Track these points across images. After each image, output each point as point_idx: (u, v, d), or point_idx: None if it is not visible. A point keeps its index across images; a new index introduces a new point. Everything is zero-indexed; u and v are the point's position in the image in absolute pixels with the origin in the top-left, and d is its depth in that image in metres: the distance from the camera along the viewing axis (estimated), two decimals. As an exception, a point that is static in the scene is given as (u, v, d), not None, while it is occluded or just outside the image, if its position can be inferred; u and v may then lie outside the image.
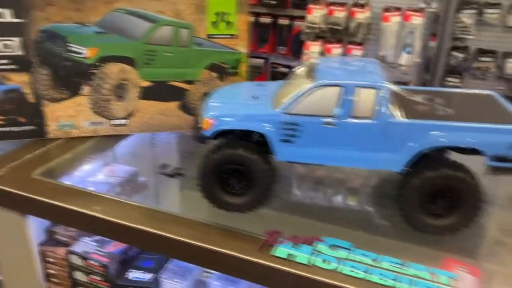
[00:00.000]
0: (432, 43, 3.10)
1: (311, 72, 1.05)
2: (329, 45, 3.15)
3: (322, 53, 3.19)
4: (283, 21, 3.48)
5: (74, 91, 1.37)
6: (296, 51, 3.44)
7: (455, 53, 3.14)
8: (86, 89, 1.37)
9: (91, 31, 1.31)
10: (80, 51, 1.31)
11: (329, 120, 0.98)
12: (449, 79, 3.19)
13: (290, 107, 1.00)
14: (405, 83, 3.14)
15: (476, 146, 0.94)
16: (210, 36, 1.39)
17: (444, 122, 0.95)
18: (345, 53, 3.18)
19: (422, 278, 0.89)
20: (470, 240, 1.03)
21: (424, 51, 3.03)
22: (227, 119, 1.03)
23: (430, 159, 0.99)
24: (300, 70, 1.13)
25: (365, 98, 0.97)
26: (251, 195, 1.05)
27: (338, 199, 1.21)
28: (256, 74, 3.82)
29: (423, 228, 1.00)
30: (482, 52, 3.12)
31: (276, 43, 3.57)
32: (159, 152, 1.48)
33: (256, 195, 1.05)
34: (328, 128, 0.99)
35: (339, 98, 0.97)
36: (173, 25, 1.35)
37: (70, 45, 1.31)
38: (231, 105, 1.08)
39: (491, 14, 2.96)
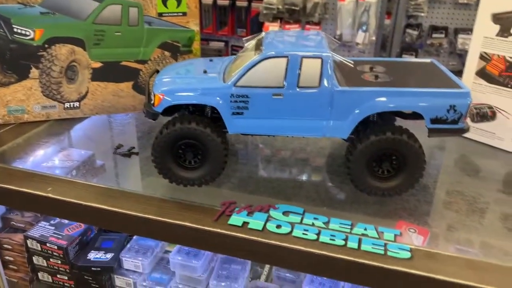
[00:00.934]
0: (387, 21, 3.18)
1: (259, 45, 1.07)
2: (288, 26, 3.18)
3: (281, 34, 3.22)
4: (241, 3, 3.47)
5: (22, 75, 1.33)
6: (255, 32, 3.45)
7: (409, 31, 3.23)
8: (35, 72, 1.34)
9: (36, 12, 1.28)
10: (26, 32, 1.28)
11: (277, 91, 1.01)
12: (405, 55, 3.29)
13: (239, 80, 1.02)
14: (362, 61, 3.21)
15: (416, 109, 0.98)
16: (160, 14, 1.38)
17: (386, 88, 0.99)
18: (303, 33, 3.21)
19: (370, 237, 0.94)
20: (421, 203, 1.08)
21: (380, 29, 3.11)
22: (178, 93, 1.04)
23: (375, 124, 1.03)
24: (249, 43, 1.15)
25: (311, 68, 0.99)
26: (206, 168, 1.07)
27: (293, 170, 1.24)
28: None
29: (370, 190, 1.05)
30: (435, 28, 3.22)
31: (235, 25, 3.57)
32: (114, 133, 1.46)
33: (210, 168, 1.06)
34: (276, 99, 1.01)
35: (286, 69, 1.00)
36: (121, 4, 1.33)
37: (14, 26, 1.27)
38: (182, 80, 1.09)
39: (442, -9, 3.06)
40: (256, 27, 3.42)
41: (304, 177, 1.20)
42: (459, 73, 1.30)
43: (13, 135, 1.32)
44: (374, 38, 3.06)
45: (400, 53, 3.27)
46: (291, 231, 0.94)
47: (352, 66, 1.01)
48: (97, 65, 1.38)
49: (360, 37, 3.04)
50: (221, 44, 3.75)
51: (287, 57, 0.99)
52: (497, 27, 1.21)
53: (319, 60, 0.99)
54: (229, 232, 0.94)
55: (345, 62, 1.03)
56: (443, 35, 3.20)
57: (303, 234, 0.94)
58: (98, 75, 1.39)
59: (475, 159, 1.31)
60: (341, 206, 1.08)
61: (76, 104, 1.41)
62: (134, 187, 1.15)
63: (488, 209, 1.09)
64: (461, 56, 3.25)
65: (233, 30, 3.61)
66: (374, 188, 1.05)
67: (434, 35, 3.21)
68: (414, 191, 1.08)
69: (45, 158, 1.33)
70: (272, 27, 3.18)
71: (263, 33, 1.14)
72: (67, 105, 1.41)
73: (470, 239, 0.99)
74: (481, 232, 1.01)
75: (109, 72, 1.40)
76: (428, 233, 0.99)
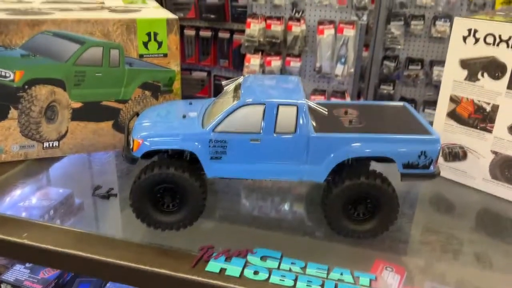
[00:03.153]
0: (366, 54, 3.27)
1: (238, 90, 1.10)
2: (269, 58, 3.24)
3: (262, 66, 3.28)
4: (224, 35, 3.54)
5: (1, 115, 1.33)
6: (237, 63, 3.51)
7: (387, 63, 3.33)
8: (14, 113, 1.34)
9: (17, 54, 1.28)
10: (6, 74, 1.29)
11: (255, 136, 1.03)
12: (383, 87, 3.38)
13: (218, 126, 1.04)
14: (342, 92, 3.29)
15: (388, 155, 1.02)
16: (141, 56, 1.40)
17: (359, 134, 1.02)
18: (284, 65, 3.28)
19: (346, 282, 0.95)
20: (396, 243, 1.11)
21: (358, 61, 3.20)
22: (156, 139, 1.05)
23: (350, 168, 1.06)
24: (228, 87, 1.18)
25: (287, 115, 1.02)
26: (184, 212, 1.07)
27: (271, 208, 1.25)
28: (200, 87, 3.85)
29: (347, 233, 1.07)
30: (411, 61, 3.33)
31: (218, 56, 3.62)
32: (94, 172, 1.46)
33: (189, 212, 1.07)
34: (254, 144, 1.03)
35: (263, 116, 1.02)
36: (102, 46, 1.35)
37: (-5, 68, 1.28)
38: (161, 125, 1.11)
39: (416, 26, 3.17)
40: (238, 58, 3.48)
41: (283, 217, 1.22)
42: (435, 103, 1.35)
43: (-10, 176, 1.31)
44: (352, 70, 3.15)
45: (379, 84, 3.36)
46: (269, 278, 0.95)
47: (326, 113, 1.04)
48: (77, 105, 1.39)
49: (339, 69, 3.11)
50: (204, 74, 3.80)
51: (264, 104, 1.02)
52: (465, 72, 1.27)
53: (294, 108, 1.02)
54: (206, 280, 0.94)
55: (319, 107, 1.06)
56: (419, 67, 3.30)
57: (280, 280, 0.95)
58: (78, 115, 1.40)
59: (449, 197, 1.35)
60: (319, 247, 1.09)
61: (56, 143, 1.41)
62: (112, 230, 1.15)
63: (463, 247, 1.12)
64: (437, 87, 3.35)
65: (216, 60, 3.66)
66: (350, 230, 1.07)
67: (411, 67, 3.31)
68: (390, 231, 1.11)
69: (22, 198, 1.31)
70: (254, 59, 3.24)
71: (241, 78, 1.17)
72: (46, 144, 1.41)
73: (446, 278, 1.01)
74: (456, 270, 1.03)
75: (89, 111, 1.41)
76: (404, 272, 1.01)
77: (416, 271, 1.03)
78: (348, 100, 3.22)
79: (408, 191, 1.34)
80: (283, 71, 3.31)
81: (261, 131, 1.03)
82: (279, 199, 1.28)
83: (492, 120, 1.26)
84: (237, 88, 1.12)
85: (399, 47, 3.25)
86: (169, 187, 1.06)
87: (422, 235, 1.18)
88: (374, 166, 1.11)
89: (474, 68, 1.25)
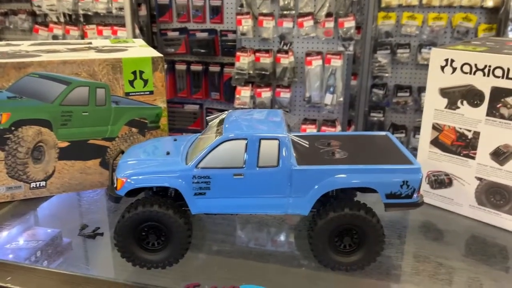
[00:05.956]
0: (354, 82, 3.33)
1: (221, 125, 1.11)
2: (259, 89, 3.29)
3: (252, 97, 3.32)
4: (214, 68, 3.60)
5: (-13, 157, 1.34)
6: (228, 95, 3.56)
7: (375, 90, 3.38)
8: (0, 154, 1.34)
9: (3, 97, 1.30)
10: (-8, 116, 1.30)
11: (238, 171, 1.04)
12: (373, 114, 3.42)
13: (201, 162, 1.05)
14: (332, 121, 3.32)
15: (370, 186, 1.02)
16: (128, 94, 1.42)
17: (341, 166, 1.03)
18: (274, 96, 3.32)
19: (334, 316, 0.94)
20: (387, 271, 1.10)
21: (347, 90, 3.25)
22: (140, 177, 1.06)
23: (335, 200, 1.06)
24: (212, 123, 1.19)
25: (269, 149, 1.03)
26: (170, 250, 1.07)
27: (259, 241, 1.25)
28: (192, 120, 3.87)
29: (334, 265, 1.06)
30: (400, 88, 3.38)
31: (209, 89, 3.67)
32: (81, 210, 1.45)
33: (174, 249, 1.06)
34: (238, 179, 1.04)
35: (245, 150, 1.03)
36: (88, 86, 1.37)
37: (-19, 111, 1.29)
38: (144, 163, 1.11)
39: (403, 54, 3.24)
40: (229, 91, 3.52)
41: (271, 250, 1.21)
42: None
43: (-25, 219, 1.30)
44: (341, 99, 3.19)
45: (369, 112, 3.40)
46: (254, 315, 0.94)
47: (308, 145, 1.05)
48: (64, 144, 1.40)
49: (328, 98, 3.16)
50: (196, 107, 3.83)
51: (246, 139, 1.03)
52: (445, 100, 1.30)
53: (276, 141, 1.03)
54: (191, 319, 0.93)
55: (301, 140, 1.07)
56: (407, 94, 3.35)
57: (267, 317, 0.93)
58: (65, 154, 1.41)
59: (438, 225, 1.35)
60: (307, 278, 1.08)
61: (43, 183, 1.41)
62: (99, 270, 1.13)
63: (453, 276, 1.11)
64: (426, 113, 3.39)
65: (207, 93, 3.70)
66: (337, 263, 1.06)
67: (399, 94, 3.36)
68: (379, 260, 1.10)
69: (9, 239, 1.30)
70: (244, 91, 3.28)
71: (225, 113, 1.19)
72: (33, 185, 1.41)
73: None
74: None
75: (76, 150, 1.41)
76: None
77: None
78: (338, 128, 3.24)
79: (397, 220, 1.34)
80: (274, 102, 3.35)
81: (244, 166, 1.04)
82: (266, 231, 1.28)
83: (474, 147, 1.27)
84: (220, 123, 1.13)
85: (386, 75, 3.31)
86: (154, 225, 1.05)
87: (412, 265, 1.17)
88: (361, 197, 1.12)
89: (453, 97, 1.28)
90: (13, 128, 1.33)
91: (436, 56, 1.29)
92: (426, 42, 3.20)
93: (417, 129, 3.35)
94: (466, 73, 1.24)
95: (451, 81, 1.27)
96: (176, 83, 3.71)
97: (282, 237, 1.27)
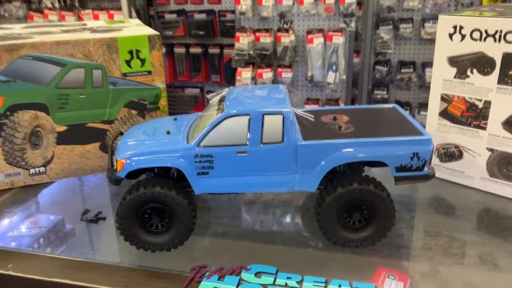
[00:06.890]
0: (357, 60, 3.26)
1: (222, 102, 1.07)
2: (260, 70, 3.23)
3: (254, 78, 3.26)
4: (214, 50, 3.53)
5: (-16, 144, 1.30)
6: (229, 78, 3.50)
7: (379, 67, 3.32)
8: (-3, 140, 1.31)
9: (-4, 81, 1.26)
10: (-14, 102, 1.26)
11: (241, 148, 1.00)
12: (377, 92, 3.36)
13: (202, 140, 1.01)
14: (336, 100, 3.27)
15: (380, 159, 0.98)
16: (125, 74, 1.38)
17: (348, 140, 0.99)
18: (275, 77, 3.26)
19: (345, 294, 0.91)
20: (398, 249, 1.07)
21: (350, 68, 3.18)
22: (140, 157, 1.02)
23: (343, 175, 1.03)
24: (213, 100, 1.15)
25: (273, 125, 0.99)
26: (174, 231, 1.04)
27: (265, 221, 1.22)
28: (193, 104, 3.82)
29: (344, 242, 1.03)
30: (403, 64, 3.31)
31: (209, 71, 3.61)
32: (83, 195, 1.43)
33: (179, 231, 1.03)
34: (241, 157, 1.00)
35: (248, 127, 0.99)
36: (84, 67, 1.33)
37: (-26, 96, 1.25)
38: (144, 143, 1.07)
39: (406, 29, 3.16)
40: (230, 73, 3.46)
41: (278, 230, 1.18)
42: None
43: (-25, 207, 1.27)
44: (344, 77, 3.13)
45: (372, 89, 3.33)
46: (263, 294, 0.91)
47: (313, 119, 1.01)
48: (62, 128, 1.36)
49: (331, 77, 3.09)
50: (197, 91, 3.78)
51: (249, 114, 0.99)
52: (454, 70, 1.25)
53: (280, 116, 0.99)
54: (198, 301, 0.90)
55: (306, 114, 1.03)
56: (411, 70, 3.28)
57: (276, 296, 0.91)
58: (63, 139, 1.37)
59: (448, 199, 1.31)
60: (316, 259, 1.05)
61: (42, 169, 1.38)
62: (103, 255, 1.11)
63: (465, 250, 1.08)
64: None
65: (207, 76, 3.65)
66: (347, 239, 1.03)
67: (403, 70, 3.30)
68: (390, 237, 1.07)
69: (10, 227, 1.27)
70: (245, 72, 3.22)
71: (226, 90, 1.15)
72: (32, 171, 1.37)
73: (450, 282, 0.97)
74: (460, 273, 0.99)
75: (74, 134, 1.38)
76: (408, 279, 0.97)
77: (420, 277, 0.99)
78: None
79: (406, 195, 1.30)
80: (275, 82, 3.29)
81: (248, 143, 1.00)
82: (272, 211, 1.25)
83: (485, 117, 1.23)
84: (221, 101, 1.09)
85: (390, 51, 3.24)
86: (157, 207, 1.02)
87: (423, 240, 1.14)
88: (370, 171, 1.08)
89: (462, 65, 1.23)
90: (8, 113, 1.29)
91: (444, 23, 1.23)
92: (429, 16, 3.12)
93: (421, 106, 3.30)
94: (476, 39, 1.19)
95: (460, 49, 1.22)
96: (176, 67, 3.65)
97: (290, 216, 1.24)
